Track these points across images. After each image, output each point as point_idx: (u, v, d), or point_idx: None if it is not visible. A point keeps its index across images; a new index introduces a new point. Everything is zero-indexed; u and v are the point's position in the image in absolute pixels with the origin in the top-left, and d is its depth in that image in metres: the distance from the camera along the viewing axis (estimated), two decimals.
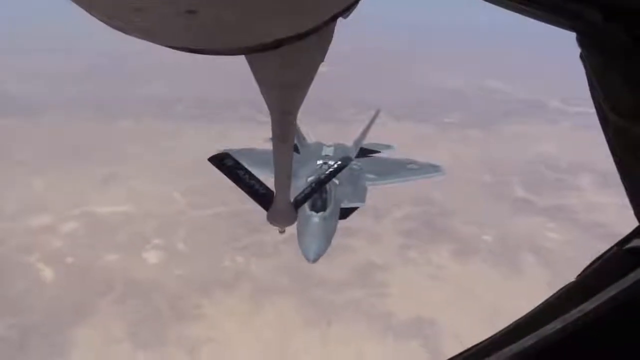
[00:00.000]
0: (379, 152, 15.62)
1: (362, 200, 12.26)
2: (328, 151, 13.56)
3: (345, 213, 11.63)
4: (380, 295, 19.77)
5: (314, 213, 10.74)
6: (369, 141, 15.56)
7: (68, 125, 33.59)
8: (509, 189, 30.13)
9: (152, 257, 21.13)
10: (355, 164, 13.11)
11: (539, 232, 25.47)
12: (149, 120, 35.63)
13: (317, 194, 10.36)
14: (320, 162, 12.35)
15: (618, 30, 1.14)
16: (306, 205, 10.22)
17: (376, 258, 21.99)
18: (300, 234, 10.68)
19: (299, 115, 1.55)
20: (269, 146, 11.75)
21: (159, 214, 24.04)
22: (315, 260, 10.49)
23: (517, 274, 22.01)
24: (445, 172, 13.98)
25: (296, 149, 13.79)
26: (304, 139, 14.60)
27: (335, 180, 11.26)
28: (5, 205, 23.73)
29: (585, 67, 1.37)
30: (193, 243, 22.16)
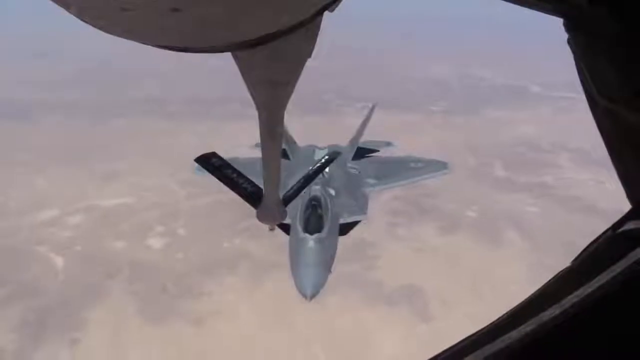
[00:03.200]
0: (378, 150, 14.51)
1: (364, 211, 10.63)
2: (321, 155, 11.29)
3: (345, 228, 9.95)
4: (371, 268, 21.14)
5: (308, 235, 8.87)
6: (364, 138, 14.48)
7: (66, 127, 34.68)
8: (492, 169, 31.62)
9: (156, 243, 22.31)
10: (353, 167, 12.04)
11: (519, 208, 26.94)
12: (143, 119, 36.82)
13: (311, 210, 9.55)
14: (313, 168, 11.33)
15: (604, 13, 1.13)
16: (299, 227, 9.00)
17: (367, 236, 23.27)
18: (293, 262, 8.80)
19: (287, 112, 1.58)
20: (253, 154, 11.50)
21: (160, 205, 25.24)
22: (313, 296, 8.43)
23: (499, 245, 23.40)
24: (451, 169, 12.64)
25: (286, 155, 12.76)
26: (294, 142, 13.30)
27: (331, 191, 10.23)
28: (11, 202, 24.75)
29: (572, 51, 1.36)
30: (193, 229, 23.37)
